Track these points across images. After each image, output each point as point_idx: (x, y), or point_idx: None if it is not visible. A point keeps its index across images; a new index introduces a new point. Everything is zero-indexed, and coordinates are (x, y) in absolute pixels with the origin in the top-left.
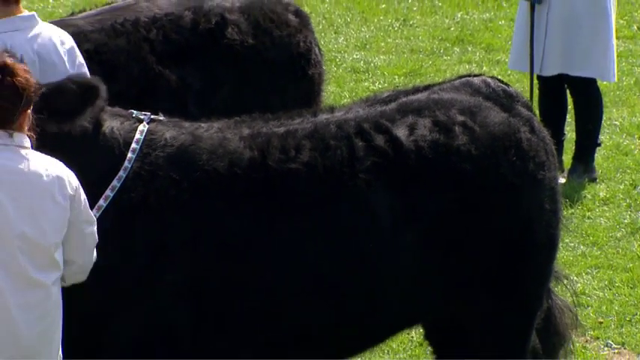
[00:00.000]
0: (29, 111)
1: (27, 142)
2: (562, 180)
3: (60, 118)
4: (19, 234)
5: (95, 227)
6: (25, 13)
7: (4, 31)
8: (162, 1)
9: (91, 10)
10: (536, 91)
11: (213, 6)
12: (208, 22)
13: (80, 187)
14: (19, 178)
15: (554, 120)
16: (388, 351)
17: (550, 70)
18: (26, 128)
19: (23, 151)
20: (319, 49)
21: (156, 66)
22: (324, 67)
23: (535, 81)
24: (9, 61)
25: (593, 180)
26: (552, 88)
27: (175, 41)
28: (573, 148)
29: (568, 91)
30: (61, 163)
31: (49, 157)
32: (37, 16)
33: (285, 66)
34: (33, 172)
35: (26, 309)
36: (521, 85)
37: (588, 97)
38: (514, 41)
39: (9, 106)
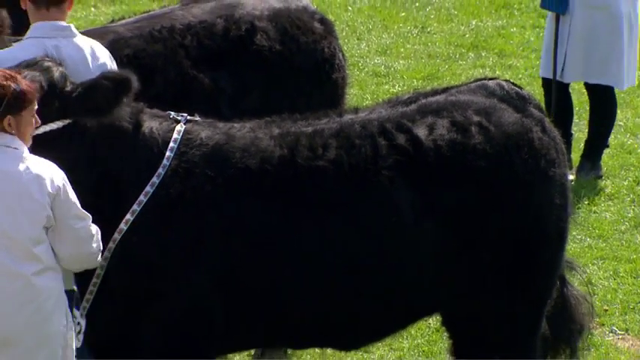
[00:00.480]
0: (25, 112)
1: (13, 143)
2: (571, 177)
3: (98, 114)
4: None
5: (89, 221)
6: (62, 23)
7: (33, 36)
8: (196, 9)
9: (129, 18)
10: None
11: (243, 14)
12: (239, 29)
13: (67, 185)
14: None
15: (564, 121)
16: (407, 336)
17: (571, 78)
18: (14, 130)
19: (8, 151)
20: (343, 55)
21: (190, 70)
22: (347, 72)
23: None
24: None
25: (599, 177)
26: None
27: (208, 47)
28: (580, 146)
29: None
30: (47, 162)
31: (34, 157)
32: (72, 28)
33: (310, 71)
34: (13, 172)
35: (4, 300)
36: (532, 88)
37: (605, 102)
38: (543, 50)
39: None
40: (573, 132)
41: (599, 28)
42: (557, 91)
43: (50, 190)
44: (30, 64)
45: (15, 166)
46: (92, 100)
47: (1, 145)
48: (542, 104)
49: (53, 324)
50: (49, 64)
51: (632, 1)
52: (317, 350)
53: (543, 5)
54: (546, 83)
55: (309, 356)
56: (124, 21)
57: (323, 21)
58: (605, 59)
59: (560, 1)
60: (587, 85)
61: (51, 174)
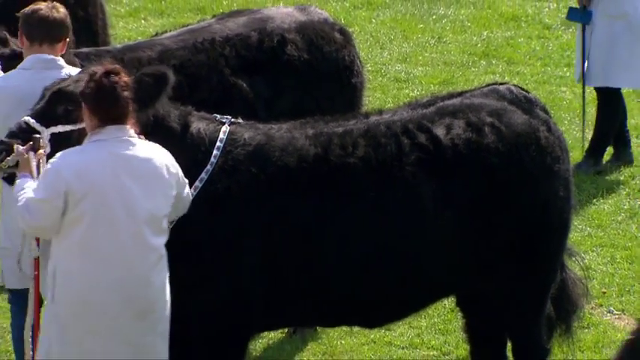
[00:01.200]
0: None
1: (134, 133)
2: (599, 167)
3: (142, 108)
4: (145, 210)
5: (188, 187)
6: (48, 56)
7: (22, 68)
8: (231, 23)
9: (172, 31)
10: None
11: (274, 27)
12: (271, 40)
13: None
14: (138, 164)
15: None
16: (425, 316)
17: (593, 82)
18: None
19: (135, 141)
20: (360, 61)
21: (230, 78)
22: (365, 77)
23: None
24: (115, 67)
25: (599, 172)
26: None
27: (245, 57)
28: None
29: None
30: (159, 146)
31: (152, 143)
32: (60, 61)
33: (333, 76)
34: (146, 158)
35: (149, 269)
36: (538, 92)
37: (610, 104)
38: (576, 51)
39: (125, 104)
40: (575, 131)
41: (619, 35)
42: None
43: (173, 171)
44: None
45: (146, 152)
46: (136, 95)
47: (129, 137)
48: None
49: (168, 291)
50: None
51: None
52: (344, 328)
53: (569, 18)
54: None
55: (336, 333)
56: (168, 34)
57: (342, 31)
58: (626, 63)
59: (584, 13)
60: (596, 88)
61: (169, 156)
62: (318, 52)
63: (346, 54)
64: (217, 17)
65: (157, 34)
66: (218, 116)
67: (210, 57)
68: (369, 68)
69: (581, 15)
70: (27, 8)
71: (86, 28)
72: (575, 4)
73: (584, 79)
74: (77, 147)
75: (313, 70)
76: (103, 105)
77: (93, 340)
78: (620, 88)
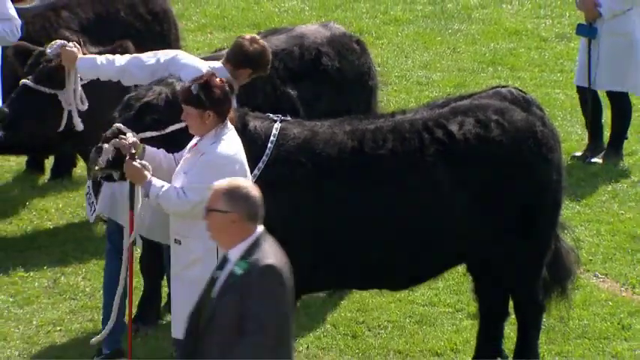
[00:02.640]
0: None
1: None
2: (599, 160)
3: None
4: None
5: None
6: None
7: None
8: (274, 40)
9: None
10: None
11: (310, 42)
12: (310, 54)
13: None
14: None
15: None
16: (441, 279)
17: (599, 86)
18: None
19: (232, 134)
20: (375, 68)
21: (280, 86)
22: (378, 79)
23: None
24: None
25: (621, 159)
26: (583, 98)
27: (290, 68)
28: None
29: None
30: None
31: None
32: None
33: (356, 80)
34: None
35: None
36: (535, 94)
37: (622, 105)
38: (578, 65)
39: (226, 100)
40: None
41: (621, 50)
42: (591, 96)
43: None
44: (160, 81)
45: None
46: None
47: (229, 131)
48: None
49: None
50: (172, 80)
51: None
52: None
53: (578, 33)
54: (580, 90)
55: (367, 293)
56: (225, 50)
57: (359, 42)
58: (626, 72)
59: (591, 30)
60: (608, 93)
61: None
62: (344, 60)
63: (364, 61)
64: (261, 34)
65: (222, 49)
66: (271, 115)
67: None
68: (396, 74)
69: (588, 31)
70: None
71: (161, 40)
72: (581, 21)
73: (589, 83)
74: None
75: (342, 76)
76: (228, 105)
77: None
78: (627, 92)
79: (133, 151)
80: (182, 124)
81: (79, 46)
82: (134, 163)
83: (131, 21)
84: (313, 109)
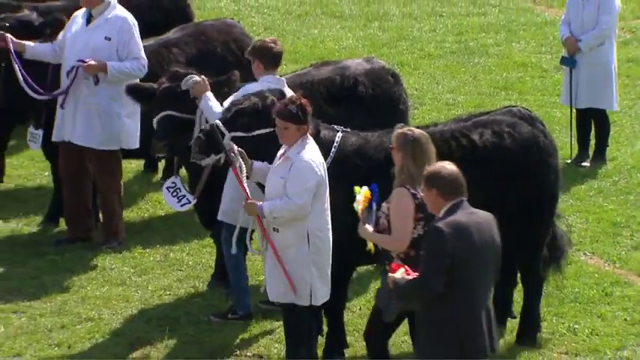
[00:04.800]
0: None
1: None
2: (587, 164)
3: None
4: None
5: None
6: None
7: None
8: (322, 70)
9: (287, 75)
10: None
11: (350, 73)
12: (349, 82)
13: None
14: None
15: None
16: None
17: (580, 105)
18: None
19: (311, 142)
20: (406, 95)
21: (324, 106)
22: (409, 104)
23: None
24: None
25: (605, 163)
26: (580, 117)
27: (333, 93)
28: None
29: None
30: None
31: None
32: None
33: (388, 104)
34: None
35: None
36: (539, 112)
37: (602, 119)
38: (562, 89)
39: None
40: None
41: (598, 76)
42: (576, 112)
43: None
44: (258, 93)
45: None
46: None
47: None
48: (569, 121)
49: None
50: (267, 94)
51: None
52: None
53: (561, 63)
54: (567, 107)
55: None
56: (288, 75)
57: (393, 74)
58: (603, 93)
59: (572, 61)
60: (590, 111)
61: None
62: (378, 88)
63: (396, 90)
64: (314, 66)
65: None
66: (335, 126)
67: (311, 92)
68: (429, 97)
69: (569, 61)
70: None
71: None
72: (565, 54)
73: (571, 102)
74: (312, 142)
75: (375, 101)
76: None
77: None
78: (604, 109)
79: (244, 169)
80: (266, 130)
81: (205, 80)
82: (248, 202)
83: (225, 55)
84: (348, 126)
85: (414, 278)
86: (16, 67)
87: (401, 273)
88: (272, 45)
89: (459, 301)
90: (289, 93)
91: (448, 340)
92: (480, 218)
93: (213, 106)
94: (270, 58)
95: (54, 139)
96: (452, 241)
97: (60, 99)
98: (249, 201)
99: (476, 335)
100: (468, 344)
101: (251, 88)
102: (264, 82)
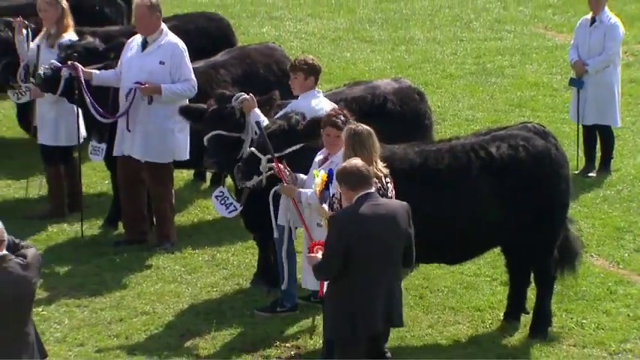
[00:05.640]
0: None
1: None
2: (594, 175)
3: (314, 138)
4: None
5: None
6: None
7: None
8: (355, 89)
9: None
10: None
11: (380, 92)
12: (379, 99)
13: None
14: None
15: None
16: (481, 257)
17: (587, 122)
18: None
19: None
20: (430, 111)
21: (357, 121)
22: (433, 120)
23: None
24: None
25: (609, 173)
26: (587, 132)
27: (364, 109)
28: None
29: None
30: None
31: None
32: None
33: (414, 120)
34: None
35: None
36: (551, 127)
37: (607, 135)
38: (571, 106)
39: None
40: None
41: (603, 95)
42: (583, 129)
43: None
44: (281, 116)
45: None
46: (313, 131)
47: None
48: (577, 136)
49: None
50: (291, 114)
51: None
52: (434, 264)
53: (570, 84)
54: (575, 123)
55: (430, 266)
56: (324, 93)
57: (419, 93)
58: (607, 111)
59: (580, 82)
60: (596, 126)
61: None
62: (405, 105)
63: (421, 107)
64: (347, 85)
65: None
66: None
67: (346, 108)
68: (451, 113)
69: (577, 82)
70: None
71: (287, 90)
72: (574, 76)
73: (579, 119)
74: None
75: (403, 116)
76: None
77: None
78: (609, 125)
79: (288, 175)
80: (296, 147)
81: (254, 98)
82: (285, 185)
83: (267, 76)
84: (382, 140)
85: (319, 260)
86: (85, 95)
87: (316, 253)
88: (310, 61)
89: (354, 282)
90: (330, 106)
91: (342, 315)
92: (383, 209)
93: (261, 120)
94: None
95: (115, 153)
96: (346, 228)
97: (122, 121)
98: (286, 185)
99: (367, 313)
100: (358, 320)
101: (296, 104)
102: (307, 97)
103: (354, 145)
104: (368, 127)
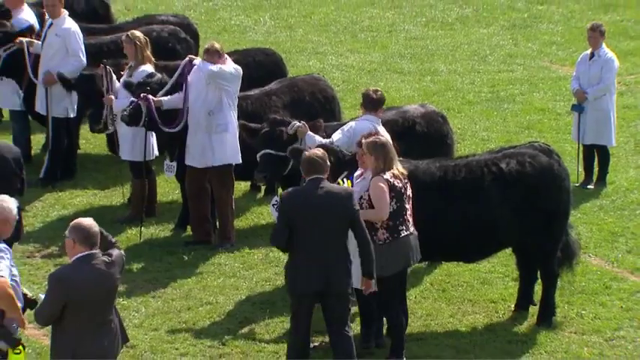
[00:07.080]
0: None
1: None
2: (592, 187)
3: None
4: None
5: None
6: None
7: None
8: (387, 114)
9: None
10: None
11: (409, 115)
12: (408, 122)
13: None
14: None
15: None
16: (495, 256)
17: (587, 141)
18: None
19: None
20: (452, 132)
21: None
22: (454, 139)
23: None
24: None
25: (605, 186)
26: (586, 150)
27: (396, 130)
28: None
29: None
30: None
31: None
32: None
33: (438, 140)
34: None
35: None
36: (555, 146)
37: (603, 153)
38: (573, 128)
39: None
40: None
41: (601, 119)
42: (583, 148)
43: None
44: (323, 146)
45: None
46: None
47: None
48: (577, 154)
49: None
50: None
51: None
52: (454, 262)
53: (572, 109)
54: (576, 143)
55: (450, 264)
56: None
57: (442, 116)
58: (604, 132)
59: (581, 107)
60: (594, 146)
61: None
62: (431, 127)
63: (444, 128)
64: (380, 110)
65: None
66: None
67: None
68: (469, 134)
69: (578, 108)
70: None
71: (331, 115)
72: (575, 102)
73: (579, 139)
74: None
75: (428, 137)
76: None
77: None
78: (605, 145)
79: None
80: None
81: (305, 125)
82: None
83: (312, 102)
84: (407, 156)
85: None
86: (156, 119)
87: None
88: (371, 93)
89: (297, 250)
90: (382, 129)
91: (289, 276)
92: (326, 192)
93: (316, 140)
94: (369, 103)
95: (187, 162)
96: (288, 205)
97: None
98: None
99: (303, 275)
100: (298, 280)
101: (353, 124)
102: (364, 120)
103: (384, 153)
104: (385, 138)
